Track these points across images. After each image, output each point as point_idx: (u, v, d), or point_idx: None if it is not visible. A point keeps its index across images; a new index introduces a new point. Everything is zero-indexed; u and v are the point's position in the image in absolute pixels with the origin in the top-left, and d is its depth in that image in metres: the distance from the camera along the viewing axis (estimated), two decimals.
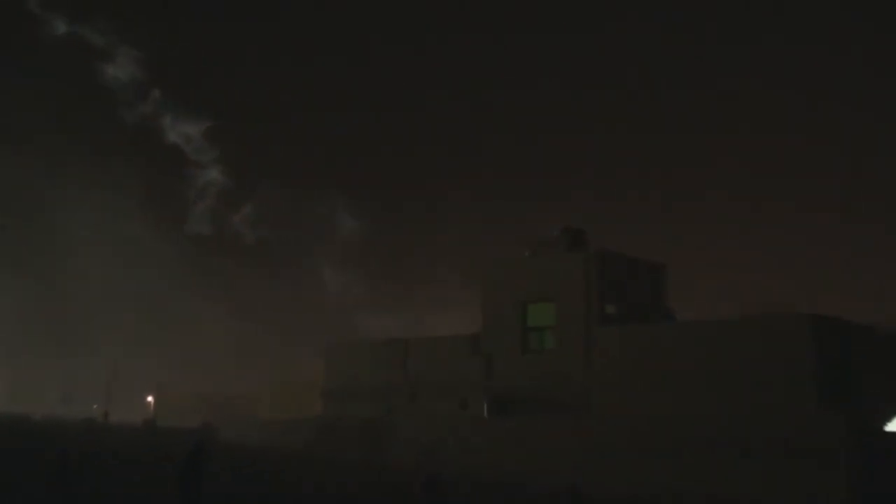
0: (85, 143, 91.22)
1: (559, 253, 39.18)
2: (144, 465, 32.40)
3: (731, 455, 28.95)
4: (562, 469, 31.98)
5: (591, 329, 36.65)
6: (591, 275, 37.17)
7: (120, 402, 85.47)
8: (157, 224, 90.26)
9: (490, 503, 28.34)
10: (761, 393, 30.96)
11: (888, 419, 31.50)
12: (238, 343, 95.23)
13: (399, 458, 37.65)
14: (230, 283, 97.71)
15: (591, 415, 35.18)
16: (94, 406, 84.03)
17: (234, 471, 30.99)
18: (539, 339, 38.86)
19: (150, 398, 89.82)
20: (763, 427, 28.93)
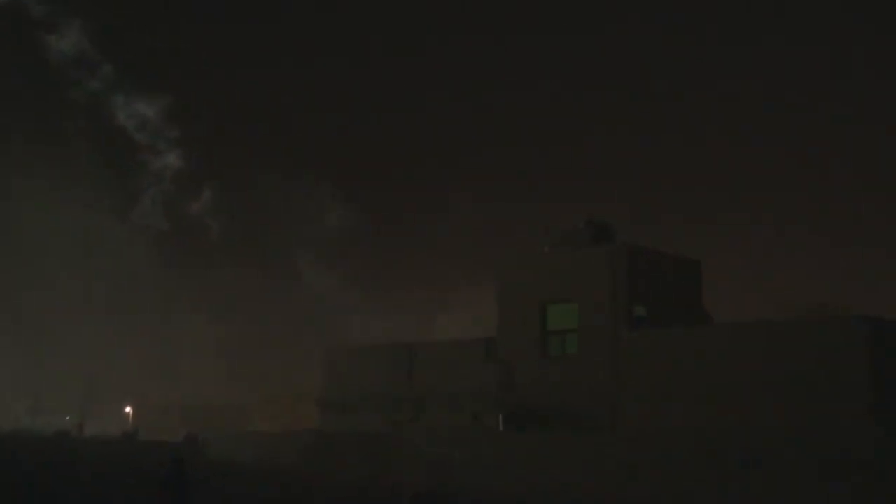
0: (30, 126, 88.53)
1: (582, 248, 38.56)
2: (125, 481, 31.74)
3: (776, 473, 28.52)
4: (586, 490, 31.57)
5: (618, 333, 36.19)
6: (618, 272, 36.67)
7: (94, 414, 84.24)
8: (117, 218, 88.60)
9: None
10: (811, 403, 30.55)
11: None
12: (222, 349, 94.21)
13: (404, 476, 36.85)
14: (207, 283, 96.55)
15: (619, 429, 34.83)
16: (67, 418, 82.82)
17: (222, 488, 30.12)
18: (560, 343, 38.33)
19: (128, 409, 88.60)
20: (813, 441, 28.51)
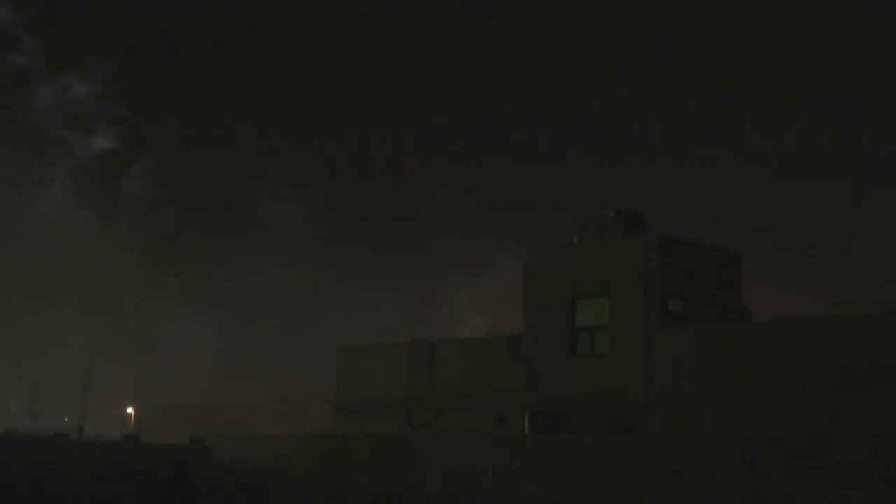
0: None
1: (613, 239, 38.61)
2: (127, 485, 32.78)
3: (828, 483, 28.13)
4: (619, 498, 31.57)
5: (652, 329, 36.18)
6: (652, 264, 36.67)
7: (91, 415, 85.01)
8: (90, 206, 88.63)
9: None
10: (865, 407, 30.27)
11: None
12: (225, 348, 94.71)
13: (424, 482, 37.20)
14: (203, 279, 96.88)
15: (654, 433, 34.84)
16: (66, 419, 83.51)
17: (229, 494, 30.23)
18: (590, 341, 38.36)
19: (129, 410, 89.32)
20: (868, 449, 28.07)
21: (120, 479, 34.84)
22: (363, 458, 40.84)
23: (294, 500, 32.18)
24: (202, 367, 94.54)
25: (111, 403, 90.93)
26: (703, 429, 33.18)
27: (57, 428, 67.33)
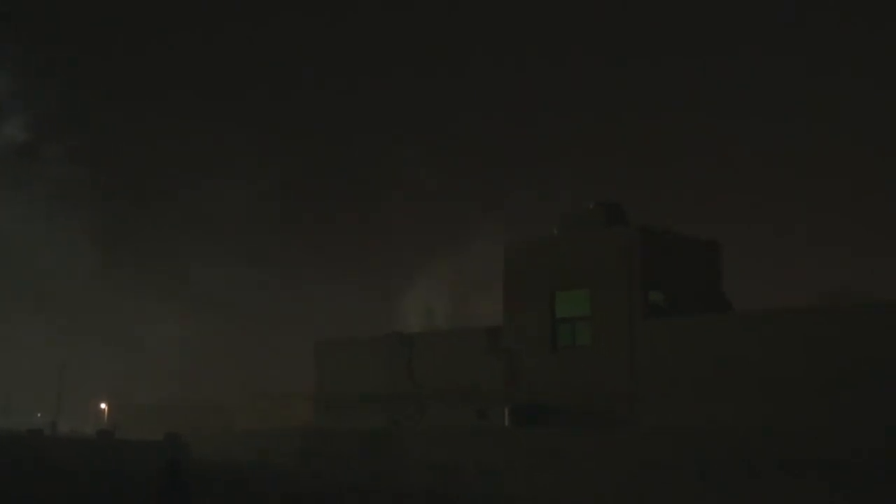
0: None
1: (594, 230, 39.19)
2: (104, 481, 32.72)
3: (813, 479, 28.50)
4: (602, 493, 31.98)
5: (633, 321, 36.70)
6: (632, 255, 37.21)
7: (65, 412, 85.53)
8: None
9: None
10: (852, 400, 30.55)
11: None
12: (198, 345, 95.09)
13: (407, 478, 37.81)
14: (169, 275, 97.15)
15: (637, 427, 35.17)
16: (38, 415, 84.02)
17: (209, 491, 30.93)
18: (571, 333, 38.94)
19: (103, 406, 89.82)
20: (855, 444, 28.44)
21: (96, 473, 35.29)
22: (347, 453, 41.43)
23: (277, 495, 32.75)
24: (176, 363, 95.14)
25: (84, 400, 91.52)
26: (688, 422, 33.63)
27: (30, 424, 68.26)
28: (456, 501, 33.39)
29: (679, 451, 31.36)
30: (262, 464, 43.33)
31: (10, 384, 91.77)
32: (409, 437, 39.98)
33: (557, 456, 34.34)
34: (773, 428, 30.78)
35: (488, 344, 40.96)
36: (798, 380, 31.93)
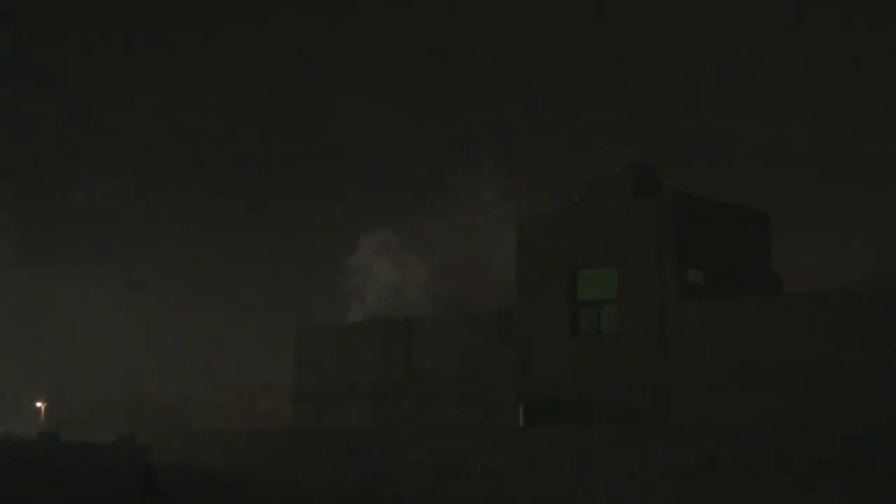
0: None
1: (621, 199, 38.75)
2: (48, 487, 32.69)
3: (865, 480, 28.44)
4: (630, 499, 31.86)
5: (667, 304, 36.47)
6: (666, 228, 37.01)
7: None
8: None
9: None
10: None
11: None
12: (151, 332, 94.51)
13: (402, 484, 37.56)
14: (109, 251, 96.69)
15: (670, 424, 35.04)
16: None
17: (175, 497, 30.72)
18: (594, 318, 38.74)
19: (39, 405, 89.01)
20: None
21: (38, 480, 35.22)
22: (332, 455, 41.14)
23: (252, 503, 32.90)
24: (126, 353, 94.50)
25: (19, 398, 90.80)
26: (729, 418, 33.55)
27: None
28: None
29: (719, 452, 31.15)
30: (232, 469, 43.10)
31: None
32: (403, 438, 39.81)
33: (578, 459, 34.16)
34: (827, 427, 30.71)
35: (498, 331, 40.82)
36: (856, 371, 31.80)
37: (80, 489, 33.40)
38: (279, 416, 58.07)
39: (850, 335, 32.40)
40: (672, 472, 31.82)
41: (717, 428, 32.93)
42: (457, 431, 39.11)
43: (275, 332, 69.68)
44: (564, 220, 40.06)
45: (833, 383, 32.18)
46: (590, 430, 35.97)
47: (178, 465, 43.33)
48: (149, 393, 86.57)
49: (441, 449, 37.95)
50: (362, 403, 44.19)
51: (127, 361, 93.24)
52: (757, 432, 31.35)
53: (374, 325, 45.93)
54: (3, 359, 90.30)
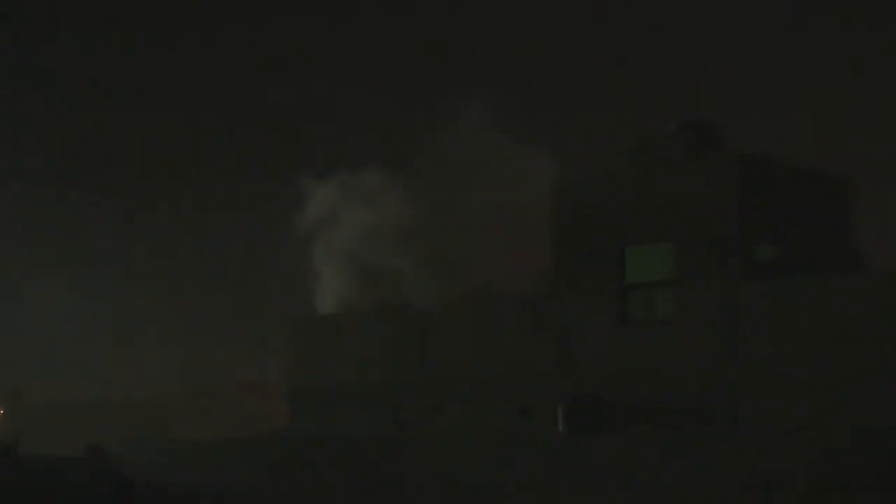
0: None
1: (676, 162, 38.67)
2: None
3: None
4: None
5: (732, 284, 36.28)
6: (730, 195, 36.80)
7: None
8: None
9: None
10: None
11: None
12: (121, 326, 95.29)
13: (417, 501, 37.96)
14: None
15: (739, 428, 34.91)
16: None
17: None
18: (646, 303, 38.72)
19: None
20: None
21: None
22: (334, 467, 41.40)
23: None
24: (93, 351, 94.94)
25: None
26: (805, 419, 33.31)
27: None
28: None
29: (796, 461, 31.15)
30: (218, 483, 43.66)
31: None
32: (418, 446, 40.06)
33: (628, 470, 34.24)
34: None
35: (533, 319, 40.88)
36: None
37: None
38: (272, 421, 58.46)
39: None
40: (743, 487, 31.82)
41: (794, 431, 32.63)
42: (481, 439, 39.26)
43: (267, 323, 70.97)
44: (609, 187, 40.03)
45: None
46: (642, 436, 35.94)
47: (156, 480, 44.21)
48: (120, 396, 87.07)
49: (463, 460, 38.07)
50: (369, 406, 44.65)
51: (94, 360, 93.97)
52: (846, 437, 31.05)
53: (383, 314, 46.26)
54: None
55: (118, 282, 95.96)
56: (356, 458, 41.19)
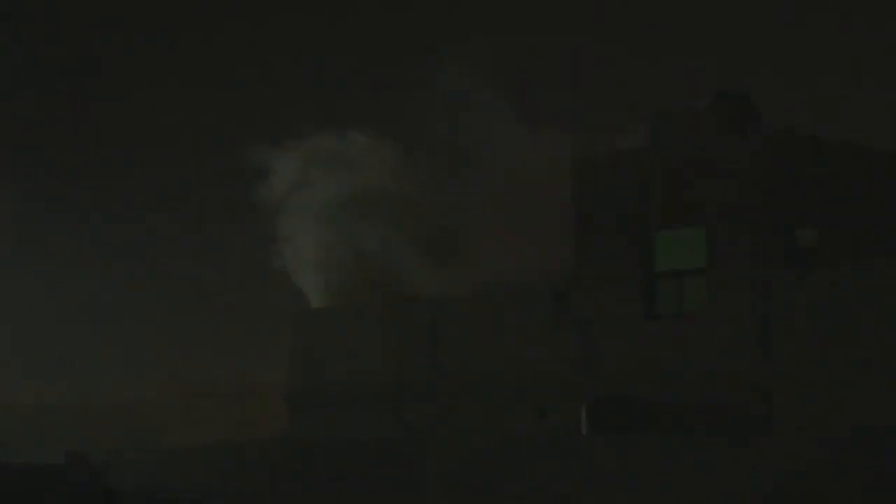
0: None
1: (709, 138, 38.59)
2: None
3: None
4: None
5: (771, 272, 36.41)
6: (769, 175, 36.92)
7: None
8: None
9: None
10: None
11: None
12: (105, 322, 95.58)
13: None
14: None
15: (777, 432, 35.19)
16: None
17: None
18: (677, 294, 38.82)
19: None
20: None
21: None
22: (339, 473, 41.38)
23: None
24: (74, 349, 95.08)
25: None
26: (852, 421, 33.34)
27: None
28: None
29: (841, 465, 31.19)
30: (213, 492, 43.66)
31: None
32: (429, 450, 40.14)
33: (658, 475, 34.28)
34: None
35: (553, 311, 40.96)
36: None
37: None
38: (271, 425, 58.30)
39: None
40: (781, 494, 31.90)
41: (841, 438, 32.67)
42: (497, 441, 39.28)
43: (265, 318, 70.65)
44: (636, 165, 40.05)
45: None
46: (672, 437, 36.12)
47: (144, 489, 44.42)
48: (105, 398, 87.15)
49: (476, 463, 38.18)
50: (377, 407, 44.83)
51: (75, 359, 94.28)
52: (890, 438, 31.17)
53: (389, 307, 46.58)
54: None
55: (102, 274, 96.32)
56: (362, 463, 41.26)
